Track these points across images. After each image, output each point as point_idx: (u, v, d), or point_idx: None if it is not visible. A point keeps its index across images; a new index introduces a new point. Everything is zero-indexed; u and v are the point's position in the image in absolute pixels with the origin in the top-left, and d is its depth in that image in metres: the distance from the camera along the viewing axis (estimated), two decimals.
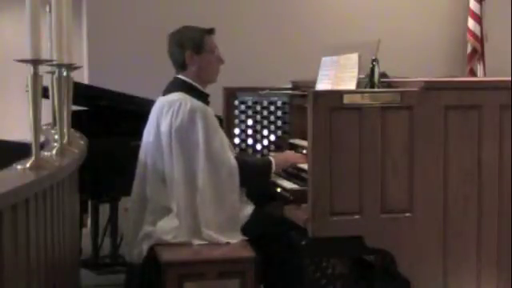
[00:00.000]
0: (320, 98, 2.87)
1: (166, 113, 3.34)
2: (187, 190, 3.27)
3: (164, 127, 3.33)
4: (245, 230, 3.34)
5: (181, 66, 3.48)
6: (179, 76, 3.49)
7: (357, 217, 2.90)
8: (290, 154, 3.71)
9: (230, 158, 3.33)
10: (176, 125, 3.29)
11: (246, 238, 3.30)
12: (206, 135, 3.28)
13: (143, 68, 5.51)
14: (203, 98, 3.47)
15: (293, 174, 3.57)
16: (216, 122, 3.39)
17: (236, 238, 3.29)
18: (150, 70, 5.15)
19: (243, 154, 3.93)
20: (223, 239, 3.26)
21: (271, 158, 3.55)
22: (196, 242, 3.25)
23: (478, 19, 6.28)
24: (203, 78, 3.51)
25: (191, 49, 3.45)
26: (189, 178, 3.27)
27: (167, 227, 3.28)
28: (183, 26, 3.54)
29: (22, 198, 2.11)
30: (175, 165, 3.29)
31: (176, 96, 3.39)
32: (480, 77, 6.11)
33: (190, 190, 3.27)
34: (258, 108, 4.08)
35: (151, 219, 3.34)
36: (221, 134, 3.38)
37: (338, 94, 2.91)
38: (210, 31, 3.52)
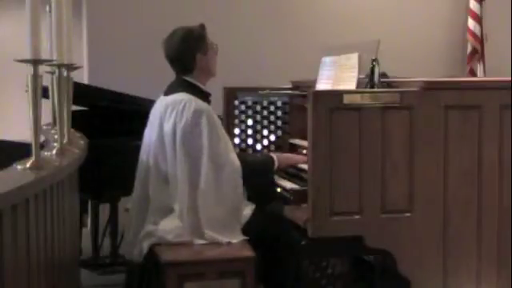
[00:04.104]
0: (320, 97, 2.88)
1: (170, 113, 3.33)
2: (190, 190, 3.26)
3: (168, 127, 3.33)
4: (245, 229, 3.34)
5: (189, 70, 3.46)
6: (185, 78, 3.47)
7: (357, 217, 2.90)
8: (292, 154, 3.71)
9: (234, 158, 3.33)
10: (180, 125, 3.28)
11: (247, 238, 3.30)
12: (211, 136, 3.27)
13: (143, 68, 5.50)
14: (205, 97, 3.47)
15: (293, 173, 3.57)
16: (219, 123, 3.38)
17: (237, 238, 3.28)
18: (150, 70, 5.15)
19: (244, 154, 3.93)
20: (224, 239, 3.26)
21: (274, 156, 3.55)
22: (197, 241, 3.25)
23: (478, 19, 6.28)
24: (208, 75, 3.51)
25: (201, 51, 3.45)
26: (192, 178, 3.27)
27: (169, 226, 3.28)
28: (179, 29, 3.49)
29: (22, 198, 2.11)
30: (179, 165, 3.28)
31: (180, 96, 3.37)
32: (480, 77, 6.11)
33: (193, 191, 3.26)
34: (258, 108, 4.08)
35: (153, 219, 3.34)
36: (224, 135, 3.38)
37: (337, 94, 2.92)
38: (204, 27, 3.52)
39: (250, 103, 4.07)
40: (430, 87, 2.98)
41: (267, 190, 3.49)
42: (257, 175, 3.46)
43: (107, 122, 4.72)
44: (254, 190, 3.50)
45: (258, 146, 4.07)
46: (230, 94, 4.09)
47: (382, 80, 3.16)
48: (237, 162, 3.32)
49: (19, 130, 5.14)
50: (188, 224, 3.26)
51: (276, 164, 3.49)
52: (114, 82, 5.01)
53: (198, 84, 3.47)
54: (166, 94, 3.48)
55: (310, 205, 2.87)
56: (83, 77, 5.79)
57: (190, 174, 3.27)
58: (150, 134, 3.48)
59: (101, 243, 4.90)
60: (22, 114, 4.24)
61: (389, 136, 2.91)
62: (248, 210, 3.40)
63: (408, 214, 2.95)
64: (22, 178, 2.21)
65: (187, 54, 3.44)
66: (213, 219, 3.26)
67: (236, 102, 4.07)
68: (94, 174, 4.15)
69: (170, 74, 3.55)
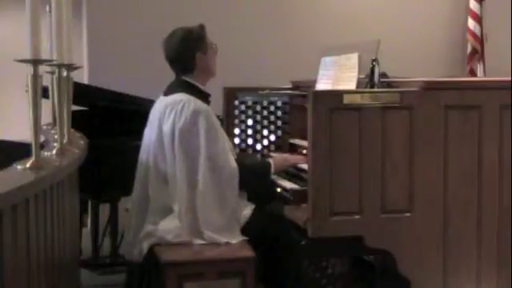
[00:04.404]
0: (320, 97, 2.88)
1: (169, 113, 3.34)
2: (189, 191, 3.26)
3: (166, 128, 3.33)
4: (245, 229, 3.34)
5: (189, 70, 3.46)
6: (184, 78, 3.47)
7: (357, 217, 2.90)
8: (289, 155, 3.71)
9: (231, 160, 3.33)
10: (179, 126, 3.29)
11: (246, 239, 3.30)
12: (208, 137, 3.27)
13: (143, 68, 5.50)
14: (205, 98, 3.47)
15: (293, 173, 3.57)
16: (218, 124, 3.38)
17: (236, 239, 3.29)
18: (150, 70, 5.15)
19: (243, 154, 3.93)
20: (223, 239, 3.26)
21: (270, 160, 3.56)
22: (197, 241, 3.25)
23: (478, 19, 6.28)
24: (208, 75, 3.51)
25: (201, 51, 3.45)
26: (190, 179, 3.27)
27: (169, 226, 3.28)
28: (179, 29, 3.49)
29: (22, 198, 2.11)
30: (177, 166, 3.28)
31: (179, 96, 3.38)
32: (480, 77, 6.11)
33: (191, 191, 3.27)
34: (258, 108, 4.08)
35: (153, 219, 3.34)
36: (222, 136, 3.38)
37: (337, 94, 2.92)
38: (203, 27, 3.52)
39: (250, 103, 4.07)
40: (430, 87, 2.98)
41: (267, 191, 3.49)
42: (254, 178, 3.46)
43: (107, 121, 4.72)
44: (254, 190, 3.50)
45: (258, 146, 4.07)
46: (230, 94, 4.09)
47: (382, 80, 3.16)
48: (234, 164, 3.33)
49: (19, 130, 5.15)
50: (187, 224, 3.26)
51: (273, 170, 3.48)
52: (113, 82, 5.01)
53: (198, 84, 3.47)
54: (166, 94, 3.48)
55: (310, 205, 2.87)
56: (83, 77, 5.79)
57: (189, 174, 3.27)
58: (149, 134, 3.48)
59: (101, 243, 4.90)
60: (22, 114, 4.24)
61: (389, 136, 2.91)
62: (248, 210, 3.40)
63: (408, 214, 2.95)
64: (22, 178, 2.21)
65: (187, 54, 3.44)
66: (211, 220, 3.26)
67: (236, 102, 4.07)
68: (94, 173, 4.15)
69: (169, 74, 3.55)
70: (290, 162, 3.58)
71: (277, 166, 3.51)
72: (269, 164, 3.51)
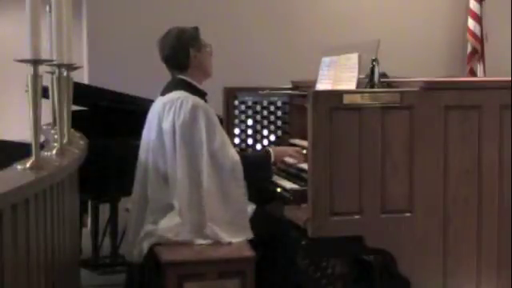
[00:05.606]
0: (320, 97, 2.87)
1: (168, 111, 3.35)
2: (191, 187, 3.27)
3: (166, 125, 3.34)
4: None
5: (184, 67, 3.47)
6: (180, 76, 3.48)
7: (357, 217, 2.90)
8: (289, 148, 3.74)
9: (233, 153, 3.34)
10: (179, 123, 3.30)
11: (251, 236, 3.29)
12: (208, 132, 3.29)
13: (143, 68, 5.49)
14: (201, 96, 3.48)
15: (293, 174, 3.57)
16: (216, 119, 3.40)
17: (240, 237, 3.28)
18: (150, 70, 5.13)
19: (242, 152, 3.94)
20: (226, 238, 3.25)
21: (270, 149, 3.58)
22: (198, 241, 3.25)
23: (478, 19, 6.28)
24: (204, 74, 3.53)
25: (194, 48, 3.47)
26: (193, 175, 3.28)
27: (169, 225, 3.28)
28: (174, 28, 3.52)
29: (22, 198, 2.11)
30: (179, 163, 3.29)
31: (176, 94, 3.39)
32: (480, 77, 6.11)
33: (194, 188, 3.27)
34: (258, 108, 4.08)
35: (152, 218, 3.35)
36: (221, 131, 3.39)
37: (338, 94, 2.91)
38: (197, 29, 3.54)
39: (250, 103, 4.07)
40: (430, 87, 2.97)
41: (267, 190, 3.50)
42: (255, 169, 3.46)
43: (107, 121, 4.72)
44: (254, 188, 3.50)
45: (258, 146, 4.08)
46: (230, 93, 4.09)
47: (382, 80, 3.16)
48: (236, 157, 3.34)
49: (19, 130, 5.14)
50: (188, 221, 3.26)
51: (273, 158, 3.51)
52: (113, 81, 5.01)
53: (194, 83, 3.49)
54: (163, 94, 3.49)
55: (310, 205, 2.87)
56: (83, 77, 5.79)
57: (190, 170, 3.28)
58: (148, 133, 3.49)
59: (101, 243, 4.90)
60: (22, 114, 4.24)
61: (389, 136, 2.91)
62: (248, 210, 3.40)
63: (408, 214, 2.95)
64: (22, 178, 2.21)
65: (181, 51, 3.46)
66: (217, 216, 3.26)
67: (236, 102, 4.07)
68: (94, 173, 4.15)
69: (169, 74, 3.56)
70: (289, 152, 3.61)
71: (277, 154, 3.54)
72: (268, 152, 3.53)
